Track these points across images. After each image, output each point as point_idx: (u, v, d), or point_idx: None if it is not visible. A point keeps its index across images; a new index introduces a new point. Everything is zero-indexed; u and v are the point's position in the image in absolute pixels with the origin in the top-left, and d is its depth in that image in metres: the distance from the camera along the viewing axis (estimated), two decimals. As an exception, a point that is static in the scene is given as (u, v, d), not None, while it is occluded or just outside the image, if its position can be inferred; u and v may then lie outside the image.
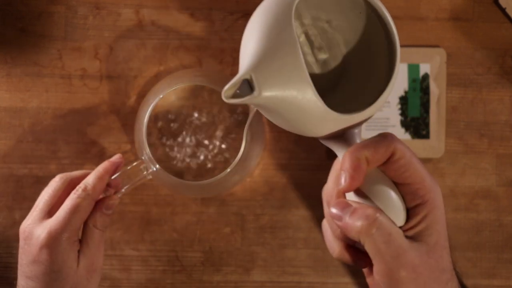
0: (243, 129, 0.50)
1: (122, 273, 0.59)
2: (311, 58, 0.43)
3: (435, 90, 0.59)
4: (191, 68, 0.58)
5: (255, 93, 0.33)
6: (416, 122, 0.58)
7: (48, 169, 0.58)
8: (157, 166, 0.50)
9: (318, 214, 0.59)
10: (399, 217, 0.36)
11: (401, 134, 0.58)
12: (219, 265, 0.59)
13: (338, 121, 0.37)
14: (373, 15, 0.39)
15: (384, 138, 0.36)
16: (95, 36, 0.59)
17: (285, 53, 0.33)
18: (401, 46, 0.58)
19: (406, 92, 0.58)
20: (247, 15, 0.59)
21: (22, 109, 0.59)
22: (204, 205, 0.59)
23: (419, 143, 0.58)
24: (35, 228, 0.45)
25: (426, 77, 0.59)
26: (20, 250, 0.46)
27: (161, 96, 0.52)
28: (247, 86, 0.33)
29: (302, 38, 0.42)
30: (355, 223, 0.36)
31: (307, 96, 0.34)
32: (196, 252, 0.59)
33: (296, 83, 0.34)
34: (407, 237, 0.36)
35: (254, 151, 0.55)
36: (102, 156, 0.58)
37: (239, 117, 0.58)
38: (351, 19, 0.41)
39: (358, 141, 0.39)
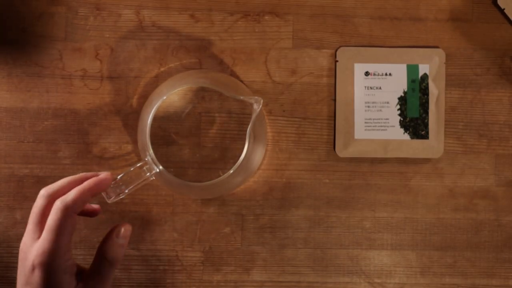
0: (246, 130, 0.50)
1: (122, 272, 0.59)
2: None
3: (434, 90, 0.59)
4: (194, 70, 0.59)
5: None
6: (415, 123, 0.59)
7: (49, 169, 0.59)
8: (160, 167, 0.50)
9: (318, 214, 0.59)
10: None
11: (400, 134, 0.59)
12: (219, 265, 0.59)
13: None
14: None
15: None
16: (96, 36, 0.59)
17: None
18: (400, 47, 0.59)
19: (405, 93, 0.59)
20: (247, 15, 0.59)
21: (23, 110, 0.59)
22: (204, 205, 0.59)
23: (418, 143, 0.59)
24: (29, 248, 0.44)
25: (425, 77, 0.59)
26: (18, 271, 0.45)
27: (164, 97, 0.52)
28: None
29: None
30: None
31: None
32: (196, 252, 0.59)
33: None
34: None
35: (257, 152, 0.55)
36: (103, 156, 0.59)
37: (242, 118, 0.58)
38: None
39: None
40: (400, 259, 0.60)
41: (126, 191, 0.48)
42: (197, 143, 0.58)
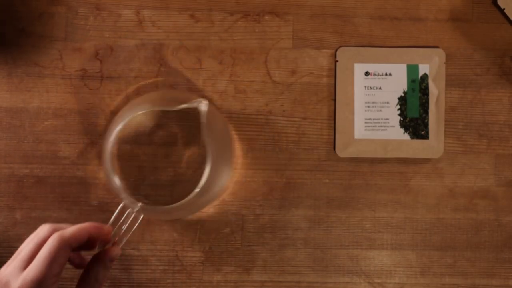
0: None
1: (122, 272, 0.59)
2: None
3: (434, 90, 0.59)
4: (133, 100, 0.58)
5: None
6: (415, 123, 0.59)
7: (49, 169, 0.59)
8: (139, 204, 0.50)
9: (318, 214, 0.59)
10: None
11: (400, 134, 0.59)
12: (219, 265, 0.59)
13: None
14: None
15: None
16: (96, 36, 0.59)
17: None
18: (400, 47, 0.59)
19: (405, 93, 0.59)
20: (246, 15, 0.59)
21: (23, 109, 0.59)
22: (204, 205, 0.59)
23: (418, 143, 0.59)
24: (13, 277, 0.42)
25: (425, 77, 0.59)
26: None
27: (121, 125, 0.51)
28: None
29: None
30: None
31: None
32: (196, 252, 0.59)
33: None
34: None
35: (222, 164, 0.54)
36: (102, 156, 0.58)
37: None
38: None
39: None
40: (400, 259, 0.60)
41: (124, 239, 0.48)
42: (166, 165, 0.58)
